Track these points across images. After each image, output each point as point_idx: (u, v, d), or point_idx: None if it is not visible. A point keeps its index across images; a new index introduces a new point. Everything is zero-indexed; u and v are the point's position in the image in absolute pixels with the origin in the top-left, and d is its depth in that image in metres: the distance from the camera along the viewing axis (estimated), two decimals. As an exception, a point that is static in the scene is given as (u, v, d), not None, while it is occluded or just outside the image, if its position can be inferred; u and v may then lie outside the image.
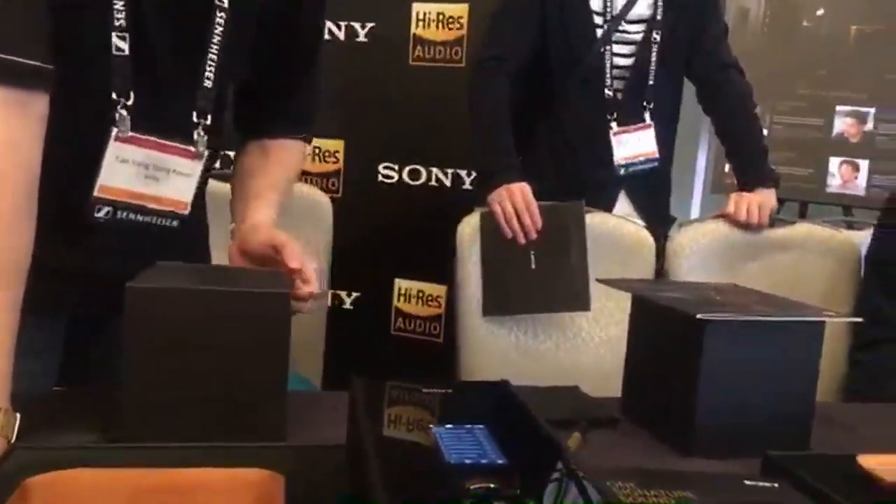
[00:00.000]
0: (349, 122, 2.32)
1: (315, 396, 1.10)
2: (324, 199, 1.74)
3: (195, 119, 0.92)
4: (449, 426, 0.59)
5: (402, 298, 2.39)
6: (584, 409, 0.98)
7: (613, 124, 1.75)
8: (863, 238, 1.78)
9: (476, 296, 1.59)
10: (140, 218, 0.91)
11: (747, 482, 0.74)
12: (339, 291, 2.37)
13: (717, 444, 0.85)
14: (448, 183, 2.31)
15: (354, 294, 2.40)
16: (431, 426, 0.59)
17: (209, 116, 0.93)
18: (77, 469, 0.60)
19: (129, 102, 0.88)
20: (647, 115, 1.79)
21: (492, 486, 0.51)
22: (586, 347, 1.61)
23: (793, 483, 0.74)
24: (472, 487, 0.50)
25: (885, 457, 0.76)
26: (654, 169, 1.80)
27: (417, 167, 2.32)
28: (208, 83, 0.92)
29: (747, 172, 1.76)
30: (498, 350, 1.60)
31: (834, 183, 2.53)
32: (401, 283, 2.39)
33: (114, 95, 0.87)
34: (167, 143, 0.91)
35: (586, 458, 0.83)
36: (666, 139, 1.84)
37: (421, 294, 2.37)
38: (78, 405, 0.85)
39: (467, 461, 0.53)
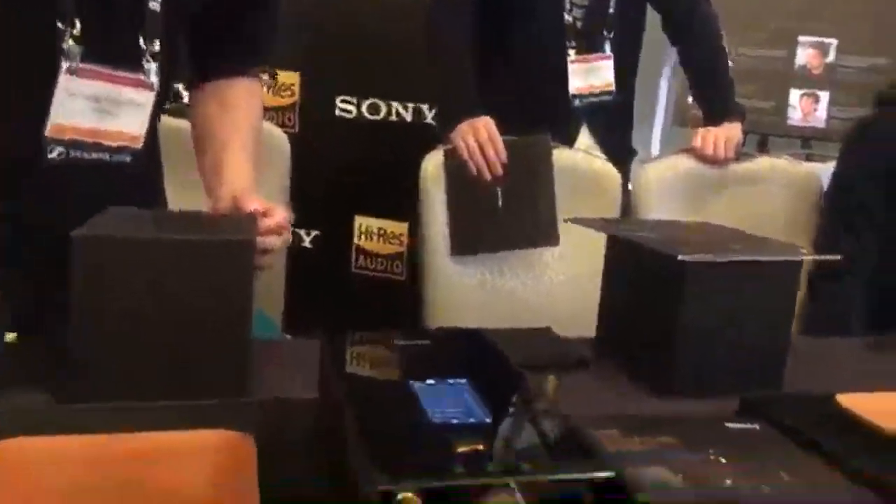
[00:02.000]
0: (305, 54, 2.22)
1: (280, 346, 1.06)
2: (280, 135, 1.67)
3: (142, 45, 0.86)
4: (430, 381, 0.56)
5: (362, 236, 2.34)
6: (558, 352, 0.96)
7: (571, 52, 1.70)
8: (824, 170, 1.79)
9: (442, 235, 1.55)
10: (94, 155, 0.85)
11: (728, 425, 0.73)
12: (297, 230, 2.31)
13: (694, 384, 0.84)
14: (409, 118, 2.23)
15: (314, 232, 2.34)
16: (410, 381, 0.56)
17: (157, 42, 0.86)
18: (27, 437, 0.55)
19: (76, 31, 0.80)
20: (607, 46, 1.73)
21: (480, 447, 0.48)
22: (553, 285, 1.59)
23: (772, 423, 0.74)
24: (460, 451, 0.47)
25: (863, 395, 0.75)
26: (613, 101, 1.76)
27: (377, 101, 2.24)
28: (154, 5, 0.85)
29: (714, 106, 1.73)
30: (464, 289, 1.58)
31: (795, 115, 2.53)
32: (361, 221, 2.34)
33: (59, 24, 0.80)
34: (117, 73, 0.85)
35: (565, 403, 0.81)
36: (628, 71, 1.80)
37: (382, 231, 2.32)
38: (26, 364, 0.80)
39: (453, 420, 0.50)
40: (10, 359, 0.84)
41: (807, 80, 2.51)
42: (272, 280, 1.69)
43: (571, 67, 1.71)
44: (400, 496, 0.42)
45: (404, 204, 2.07)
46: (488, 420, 0.51)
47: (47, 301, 0.92)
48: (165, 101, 0.95)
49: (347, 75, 2.23)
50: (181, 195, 1.12)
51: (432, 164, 1.57)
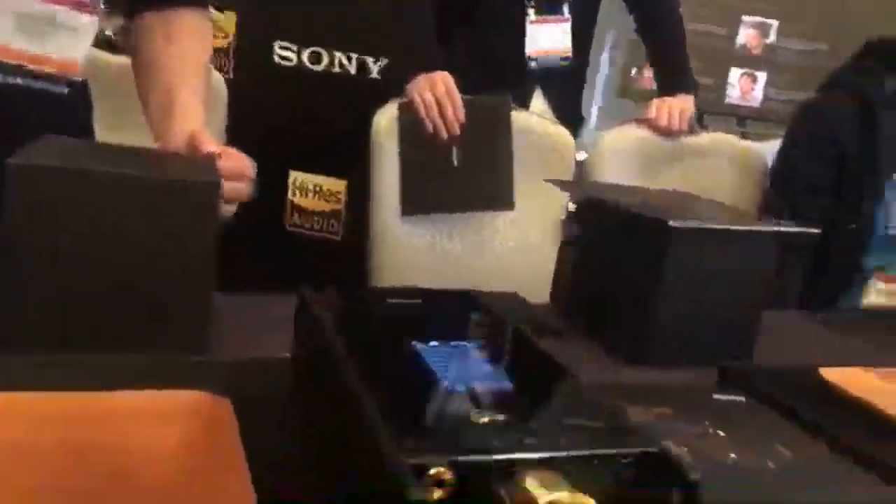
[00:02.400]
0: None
1: (233, 303, 0.98)
2: (218, 77, 1.57)
3: None
4: (433, 343, 0.51)
5: (297, 192, 2.24)
6: (530, 317, 0.92)
7: (531, 12, 1.66)
8: (766, 150, 1.82)
9: (392, 193, 1.49)
10: (21, 81, 0.74)
11: (715, 396, 0.71)
12: (227, 182, 2.18)
13: (672, 353, 0.82)
14: (353, 70, 2.13)
15: (245, 186, 2.22)
16: (414, 343, 0.51)
17: None
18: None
19: None
20: (565, 8, 1.70)
21: (504, 416, 0.43)
22: (503, 251, 1.56)
23: (755, 396, 0.72)
24: (481, 421, 0.42)
25: (846, 370, 0.75)
26: (568, 67, 1.73)
27: (319, 50, 2.13)
28: None
29: (670, 77, 1.72)
30: (412, 251, 1.52)
31: (733, 94, 2.57)
32: (296, 176, 2.23)
33: None
34: None
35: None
36: (584, 36, 1.77)
37: (318, 189, 2.23)
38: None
39: (471, 386, 0.45)
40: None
41: (746, 59, 2.55)
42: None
43: (530, 28, 1.66)
44: (433, 470, 0.37)
45: (344, 161, 1.98)
46: (507, 386, 0.46)
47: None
48: (104, 26, 0.84)
49: (287, 19, 2.11)
50: (109, 138, 1.02)
51: (385, 118, 1.50)
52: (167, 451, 0.45)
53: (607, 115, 2.83)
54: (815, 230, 0.86)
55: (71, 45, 0.77)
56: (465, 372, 0.48)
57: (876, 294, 1.57)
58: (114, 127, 1.07)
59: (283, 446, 0.54)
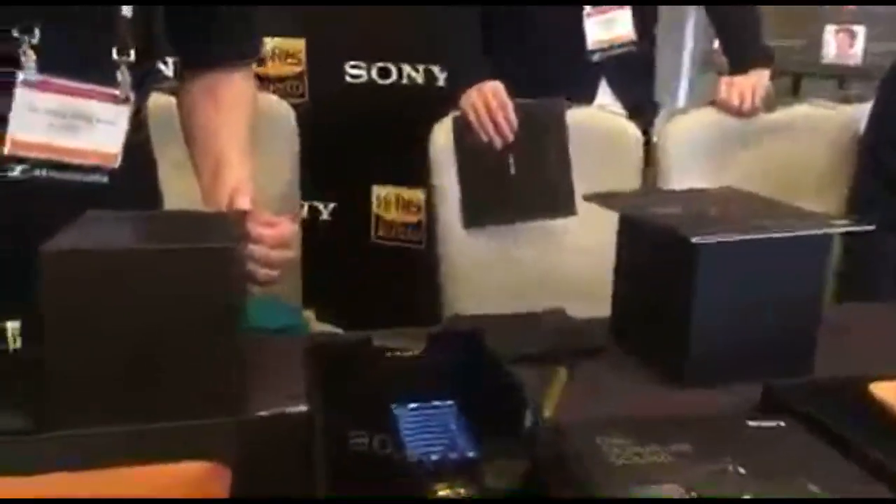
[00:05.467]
0: (310, 19, 2.14)
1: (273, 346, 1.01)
2: (283, 106, 1.62)
3: (115, 56, 0.80)
4: (412, 406, 0.52)
5: (381, 205, 2.29)
6: (569, 337, 0.90)
7: (587, 6, 1.61)
8: (860, 113, 1.68)
9: (455, 205, 1.50)
10: (60, 176, 0.80)
11: (750, 423, 0.67)
12: (315, 203, 2.27)
13: (712, 373, 0.78)
14: (420, 80, 2.15)
15: (331, 204, 2.29)
16: (394, 406, 0.52)
17: (132, 52, 0.81)
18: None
19: (35, 40, 0.75)
20: None
21: (461, 490, 0.43)
22: (572, 254, 1.53)
23: (799, 418, 0.68)
24: (440, 495, 0.43)
25: (900, 384, 0.69)
26: (633, 52, 1.66)
27: (387, 65, 2.16)
28: (126, 11, 0.79)
29: (738, 52, 1.63)
30: (481, 261, 1.53)
31: (829, 53, 2.38)
32: (378, 190, 2.28)
33: (15, 32, 0.75)
34: (85, 86, 0.79)
35: (576, 398, 0.76)
36: (646, 19, 1.69)
37: (400, 199, 2.27)
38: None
39: (433, 457, 0.46)
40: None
41: (839, 14, 2.36)
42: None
43: (588, 21, 1.61)
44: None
45: (420, 171, 2.01)
46: (470, 454, 0.46)
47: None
48: (143, 108, 0.89)
49: (355, 39, 2.16)
50: (176, 175, 1.07)
51: (443, 132, 1.51)
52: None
53: (695, 92, 2.71)
54: (869, 227, 0.79)
55: (106, 137, 0.82)
56: (436, 438, 0.48)
57: None
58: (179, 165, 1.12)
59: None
